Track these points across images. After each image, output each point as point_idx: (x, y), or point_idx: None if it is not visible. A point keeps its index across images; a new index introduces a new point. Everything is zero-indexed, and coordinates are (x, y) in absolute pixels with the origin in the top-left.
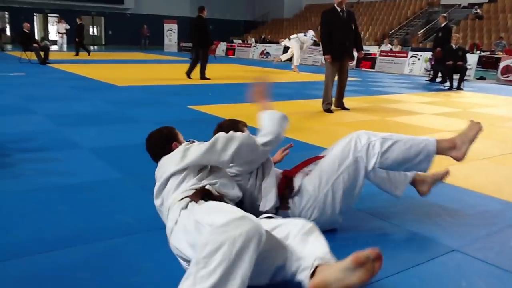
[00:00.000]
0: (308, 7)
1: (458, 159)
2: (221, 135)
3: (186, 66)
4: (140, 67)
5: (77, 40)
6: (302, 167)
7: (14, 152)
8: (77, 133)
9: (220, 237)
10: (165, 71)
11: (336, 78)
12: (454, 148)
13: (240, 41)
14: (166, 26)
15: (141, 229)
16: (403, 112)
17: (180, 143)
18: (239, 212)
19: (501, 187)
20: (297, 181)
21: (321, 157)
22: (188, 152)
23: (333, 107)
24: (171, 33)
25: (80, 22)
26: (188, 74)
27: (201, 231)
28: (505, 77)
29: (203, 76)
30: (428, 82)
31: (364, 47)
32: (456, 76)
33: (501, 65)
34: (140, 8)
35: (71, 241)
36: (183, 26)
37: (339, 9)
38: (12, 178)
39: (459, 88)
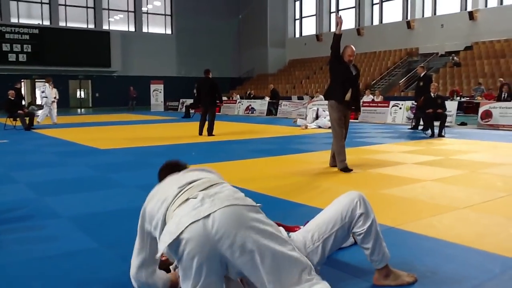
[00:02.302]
0: (291, 62)
1: (375, 282)
2: None
3: (172, 125)
4: (126, 128)
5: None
6: None
7: None
8: (58, 201)
9: None
10: (150, 131)
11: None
12: (388, 276)
13: (225, 98)
14: (153, 87)
15: None
16: (385, 163)
17: None
18: None
19: (481, 237)
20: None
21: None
22: None
23: (326, 166)
24: (157, 93)
25: (16, 86)
26: (200, 132)
27: None
28: (485, 122)
29: (211, 133)
30: (411, 130)
31: None
32: (437, 123)
33: (481, 110)
34: (126, 70)
35: None
36: (169, 85)
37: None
38: None
39: (440, 135)
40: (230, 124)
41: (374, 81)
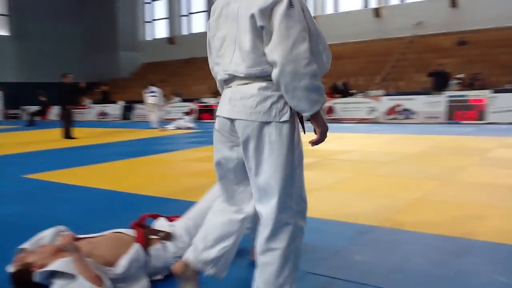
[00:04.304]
0: (146, 65)
1: (174, 271)
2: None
3: (13, 134)
4: None
5: None
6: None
7: None
8: None
9: None
10: None
11: None
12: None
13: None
14: None
15: None
16: None
17: None
18: None
19: (338, 210)
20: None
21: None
22: None
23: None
24: None
25: None
26: (67, 136)
27: None
28: (330, 117)
29: (68, 136)
30: None
31: (204, 99)
32: None
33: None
34: None
35: None
36: (9, 92)
37: None
38: None
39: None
40: (85, 129)
41: None
